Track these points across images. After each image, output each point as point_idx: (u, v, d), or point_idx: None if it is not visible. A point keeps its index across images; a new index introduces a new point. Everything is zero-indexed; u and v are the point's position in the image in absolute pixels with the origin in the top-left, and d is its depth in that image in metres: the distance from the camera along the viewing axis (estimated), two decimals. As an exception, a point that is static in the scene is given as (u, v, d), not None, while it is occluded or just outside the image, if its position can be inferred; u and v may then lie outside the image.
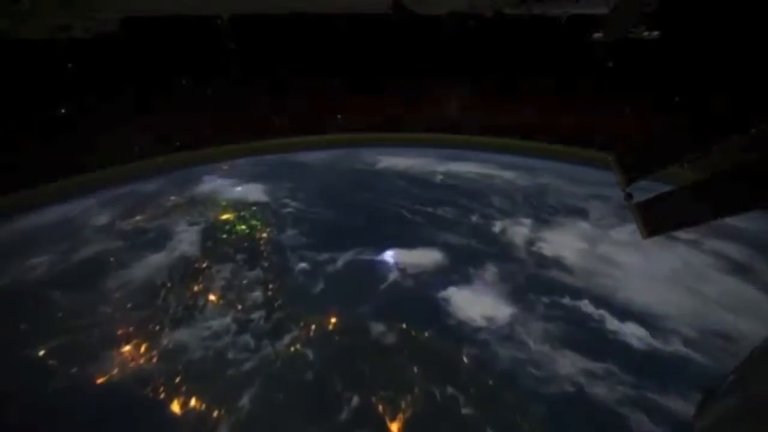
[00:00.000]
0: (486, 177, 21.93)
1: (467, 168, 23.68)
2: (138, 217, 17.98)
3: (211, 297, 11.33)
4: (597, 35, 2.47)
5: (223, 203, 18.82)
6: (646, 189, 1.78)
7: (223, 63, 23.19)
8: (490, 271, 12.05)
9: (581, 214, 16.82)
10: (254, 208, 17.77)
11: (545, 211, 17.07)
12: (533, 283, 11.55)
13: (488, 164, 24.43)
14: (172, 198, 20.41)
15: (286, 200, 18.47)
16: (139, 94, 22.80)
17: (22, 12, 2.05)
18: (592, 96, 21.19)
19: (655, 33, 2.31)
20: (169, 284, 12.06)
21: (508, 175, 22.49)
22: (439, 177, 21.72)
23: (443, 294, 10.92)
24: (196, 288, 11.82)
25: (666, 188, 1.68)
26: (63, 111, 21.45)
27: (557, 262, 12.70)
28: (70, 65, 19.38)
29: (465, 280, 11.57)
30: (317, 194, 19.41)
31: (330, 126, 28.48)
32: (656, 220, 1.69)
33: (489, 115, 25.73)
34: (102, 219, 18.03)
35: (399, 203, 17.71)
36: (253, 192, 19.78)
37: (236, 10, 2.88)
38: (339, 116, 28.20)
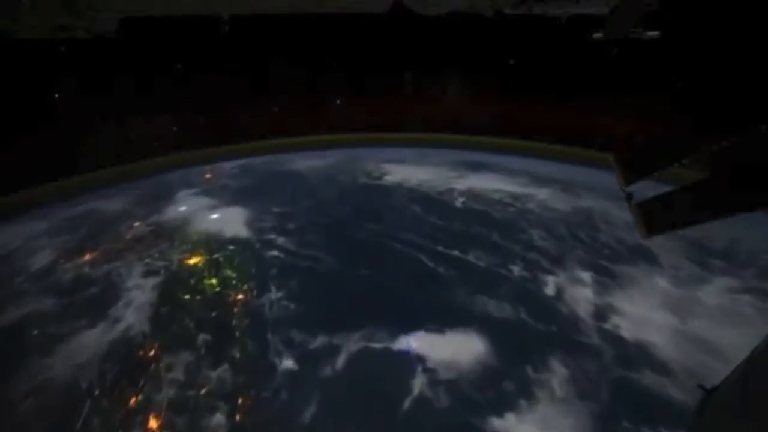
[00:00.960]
0: (516, 198, 18.12)
1: (490, 184, 19.86)
2: (86, 257, 14.27)
3: (152, 422, 7.70)
4: (597, 35, 2.33)
5: (194, 237, 15.03)
6: (646, 189, 1.66)
7: (222, 63, 21.72)
8: (558, 374, 8.39)
9: (649, 259, 13.11)
10: (231, 247, 13.98)
11: (603, 254, 13.35)
12: (623, 398, 7.92)
13: (513, 177, 20.66)
14: (135, 224, 16.68)
15: (272, 235, 14.66)
16: (135, 94, 21.16)
17: (22, 11, 1.95)
18: (592, 96, 19.74)
19: (655, 33, 2.19)
20: (97, 391, 8.40)
21: (542, 194, 18.68)
22: (461, 199, 17.89)
23: (498, 426, 7.30)
24: (132, 401, 8.15)
25: (666, 188, 1.61)
26: (55, 113, 19.66)
27: (645, 354, 9.06)
28: (63, 49, 17.48)
29: (524, 394, 7.92)
30: (311, 225, 15.62)
31: (329, 125, 26.76)
32: (656, 220, 1.62)
33: (488, 115, 24.76)
34: (43, 257, 14.33)
35: (415, 242, 13.93)
36: (233, 221, 15.97)
37: (236, 10, 2.62)
38: (338, 101, 26.69)
